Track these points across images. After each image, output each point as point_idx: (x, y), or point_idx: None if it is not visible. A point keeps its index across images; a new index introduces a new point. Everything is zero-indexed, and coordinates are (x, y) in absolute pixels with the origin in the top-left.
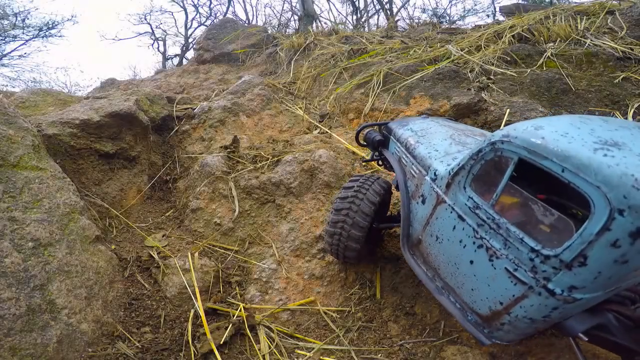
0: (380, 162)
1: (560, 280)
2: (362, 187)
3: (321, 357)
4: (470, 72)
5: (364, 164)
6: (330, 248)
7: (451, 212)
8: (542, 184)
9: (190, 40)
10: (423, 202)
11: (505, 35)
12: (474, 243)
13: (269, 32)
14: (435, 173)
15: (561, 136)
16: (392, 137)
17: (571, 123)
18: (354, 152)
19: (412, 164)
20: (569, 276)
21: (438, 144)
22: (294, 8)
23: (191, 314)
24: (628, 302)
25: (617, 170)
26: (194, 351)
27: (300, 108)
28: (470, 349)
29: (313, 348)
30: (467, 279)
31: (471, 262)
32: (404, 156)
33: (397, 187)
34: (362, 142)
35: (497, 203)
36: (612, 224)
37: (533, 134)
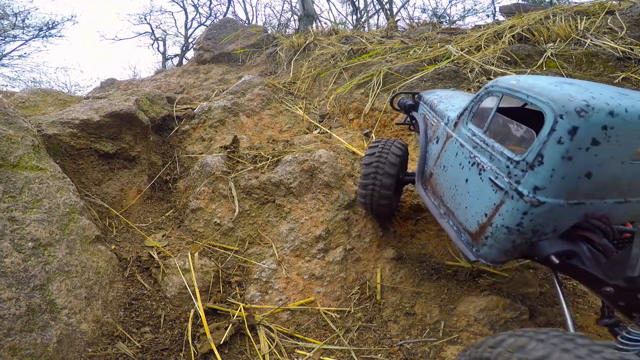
0: (410, 127)
1: (527, 182)
2: (386, 146)
3: (321, 357)
4: (470, 72)
5: (396, 125)
6: (364, 201)
7: (455, 143)
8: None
9: (190, 40)
10: (437, 142)
11: (505, 35)
12: (469, 162)
13: (269, 32)
14: (448, 118)
15: (529, 80)
16: (421, 101)
17: (540, 77)
18: (354, 152)
19: (433, 116)
20: (532, 176)
21: (455, 103)
22: (294, 8)
23: (191, 314)
24: (599, 232)
25: (561, 91)
26: (193, 351)
27: (300, 108)
28: None
29: (313, 348)
30: (462, 197)
31: (466, 180)
32: (428, 113)
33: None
34: (396, 106)
35: (488, 129)
36: (556, 125)
37: (511, 79)
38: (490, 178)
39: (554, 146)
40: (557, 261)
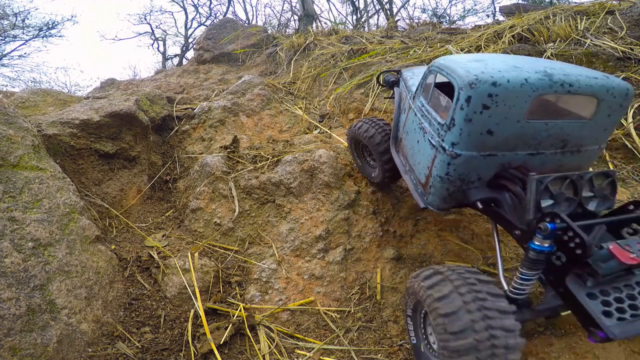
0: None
1: (447, 139)
2: (372, 120)
3: (321, 357)
4: None
5: (385, 99)
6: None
7: (413, 112)
8: None
9: (190, 40)
10: (405, 112)
11: (505, 35)
12: (419, 127)
13: (269, 32)
14: (411, 92)
15: (449, 59)
16: (400, 78)
17: (462, 56)
18: None
19: (404, 90)
20: (450, 135)
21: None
22: (294, 8)
23: (191, 314)
24: (518, 181)
25: (464, 68)
26: (193, 351)
27: (300, 108)
28: None
29: (313, 348)
30: (416, 156)
31: (417, 141)
32: (403, 87)
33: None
34: (382, 83)
35: (429, 100)
36: (459, 95)
37: (442, 60)
38: (429, 139)
39: (459, 111)
40: (481, 206)
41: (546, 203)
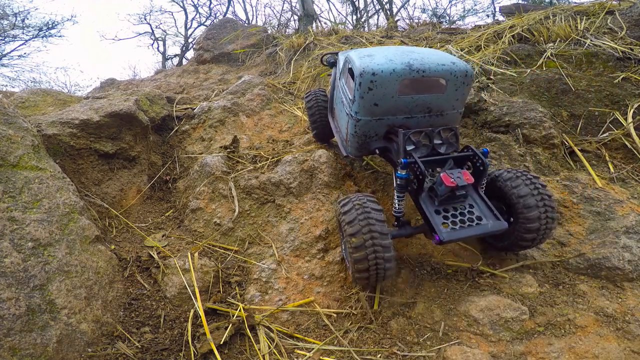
0: None
1: (353, 110)
2: (317, 92)
3: (321, 357)
4: None
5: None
6: (312, 126)
7: (339, 88)
8: None
9: (190, 40)
10: (335, 88)
11: (505, 35)
12: (341, 101)
13: (269, 32)
14: (339, 72)
15: (355, 54)
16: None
17: (360, 50)
18: None
19: (337, 70)
20: (353, 106)
21: None
22: (293, 8)
23: (191, 314)
24: (401, 135)
25: (359, 62)
26: (193, 351)
27: (300, 108)
28: (470, 349)
29: (313, 348)
30: (341, 120)
31: (341, 111)
32: (337, 69)
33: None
34: (324, 63)
35: (346, 82)
36: (356, 80)
37: (350, 52)
38: (346, 110)
39: (356, 91)
40: (378, 152)
41: (409, 147)
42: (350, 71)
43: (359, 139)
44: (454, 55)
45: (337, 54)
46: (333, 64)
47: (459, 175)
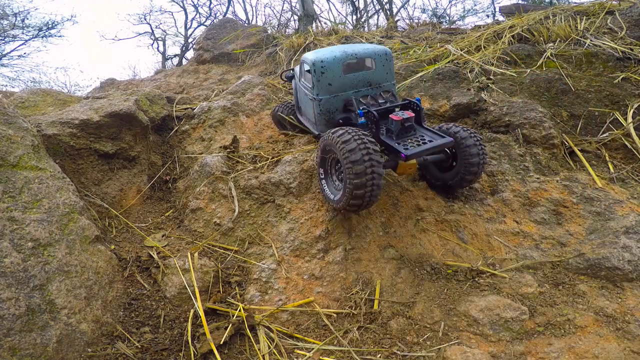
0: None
1: (314, 93)
2: (284, 104)
3: (321, 357)
4: (470, 72)
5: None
6: (273, 114)
7: (301, 87)
8: None
9: (190, 40)
10: (299, 91)
11: (505, 36)
12: (304, 94)
13: (269, 32)
14: (298, 77)
15: (306, 55)
16: (293, 72)
17: (314, 51)
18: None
19: (296, 78)
20: (314, 90)
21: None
22: (293, 8)
23: (191, 314)
24: (354, 106)
25: (311, 57)
26: (193, 351)
27: None
28: (470, 349)
29: (313, 348)
30: (308, 108)
31: (306, 101)
32: (296, 78)
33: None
34: (284, 78)
35: (304, 77)
36: (311, 69)
37: (304, 55)
38: (309, 97)
39: (313, 77)
40: (342, 122)
41: (361, 119)
42: (307, 68)
43: (324, 115)
44: (454, 54)
45: (293, 69)
46: (291, 78)
47: (402, 114)
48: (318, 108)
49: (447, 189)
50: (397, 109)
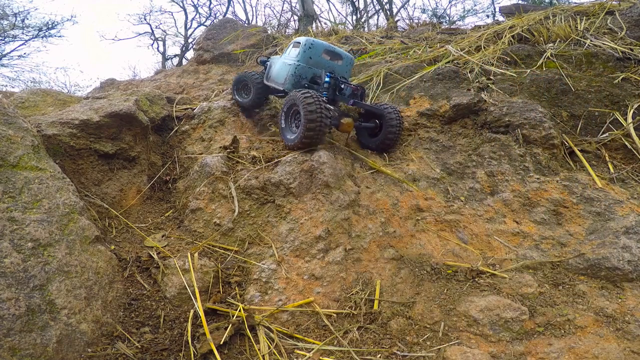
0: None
1: (296, 60)
2: (251, 74)
3: (321, 358)
4: (470, 72)
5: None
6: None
7: (282, 61)
8: None
9: (190, 40)
10: (274, 65)
11: (505, 36)
12: (282, 64)
13: (269, 32)
14: (284, 55)
15: (298, 38)
16: (270, 58)
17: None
18: (352, 153)
19: (272, 59)
20: (297, 58)
21: (277, 58)
22: (293, 8)
23: (191, 314)
24: (321, 79)
25: (304, 39)
26: (193, 351)
27: None
28: (470, 349)
29: (313, 348)
30: (280, 73)
31: (283, 68)
32: (272, 59)
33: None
34: (258, 62)
35: (290, 53)
36: (302, 44)
37: (299, 38)
38: (288, 63)
39: (301, 49)
40: (307, 86)
41: (327, 78)
42: (297, 44)
43: (295, 77)
44: (454, 55)
45: (268, 57)
46: (265, 62)
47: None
48: (294, 70)
49: (373, 149)
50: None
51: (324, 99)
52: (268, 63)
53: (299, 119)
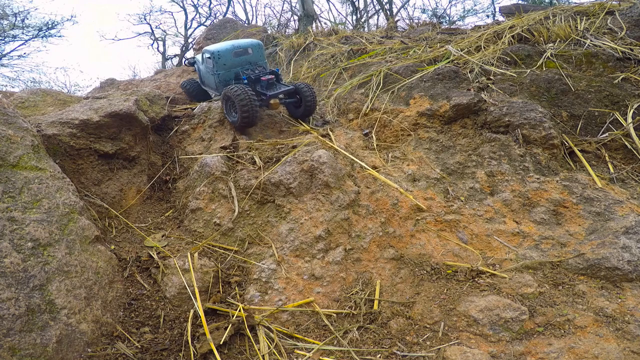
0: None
1: (215, 71)
2: (190, 80)
3: (321, 358)
4: (470, 72)
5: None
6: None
7: (205, 68)
8: None
9: (190, 40)
10: (201, 70)
11: (505, 36)
12: (208, 72)
13: (269, 32)
14: (200, 61)
15: (207, 48)
16: (196, 59)
17: (213, 45)
18: (352, 153)
19: (199, 63)
20: (214, 69)
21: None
22: (293, 8)
23: (190, 314)
24: (244, 77)
25: (211, 48)
26: (193, 351)
27: None
28: (470, 349)
29: (312, 348)
30: (210, 79)
31: (209, 77)
32: (198, 63)
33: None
34: (186, 64)
35: (207, 64)
36: (211, 56)
37: (206, 47)
38: (211, 73)
39: (214, 61)
40: (234, 82)
41: (245, 80)
42: (208, 57)
43: (222, 83)
44: (454, 55)
45: (194, 57)
46: (193, 63)
47: (268, 77)
48: (218, 79)
49: (299, 117)
50: (267, 75)
51: (249, 89)
52: (196, 65)
53: (236, 108)
